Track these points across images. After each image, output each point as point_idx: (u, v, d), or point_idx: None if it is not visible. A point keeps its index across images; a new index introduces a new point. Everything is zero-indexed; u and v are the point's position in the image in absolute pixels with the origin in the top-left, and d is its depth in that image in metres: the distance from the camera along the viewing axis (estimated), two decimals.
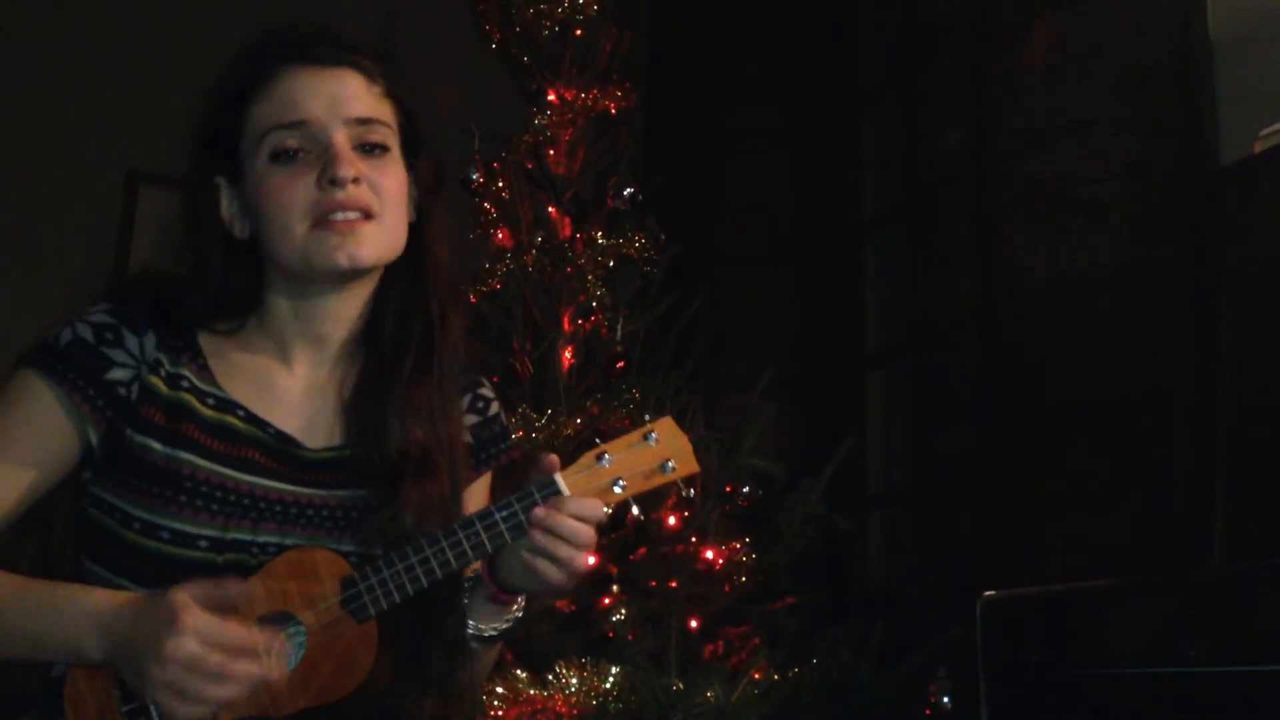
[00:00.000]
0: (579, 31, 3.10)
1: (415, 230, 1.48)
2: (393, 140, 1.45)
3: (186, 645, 1.21)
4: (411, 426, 1.42)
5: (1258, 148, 2.06)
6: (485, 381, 1.58)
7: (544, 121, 3.03)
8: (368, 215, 1.39)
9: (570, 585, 1.37)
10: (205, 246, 1.44)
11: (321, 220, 1.38)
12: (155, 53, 4.00)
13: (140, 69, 3.99)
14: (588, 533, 1.34)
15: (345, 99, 1.41)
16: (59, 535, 1.43)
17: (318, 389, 1.47)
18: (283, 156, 1.40)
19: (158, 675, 1.22)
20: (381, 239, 1.41)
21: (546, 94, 3.08)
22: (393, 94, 1.46)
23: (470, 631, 1.42)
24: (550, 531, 1.33)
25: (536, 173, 3.05)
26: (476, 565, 1.42)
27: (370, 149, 1.42)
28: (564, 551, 1.33)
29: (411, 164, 1.48)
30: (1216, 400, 2.29)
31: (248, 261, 1.45)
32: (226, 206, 1.45)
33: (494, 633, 1.43)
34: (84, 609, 1.29)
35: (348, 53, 1.44)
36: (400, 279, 1.47)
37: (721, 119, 4.12)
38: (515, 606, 1.43)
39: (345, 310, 1.47)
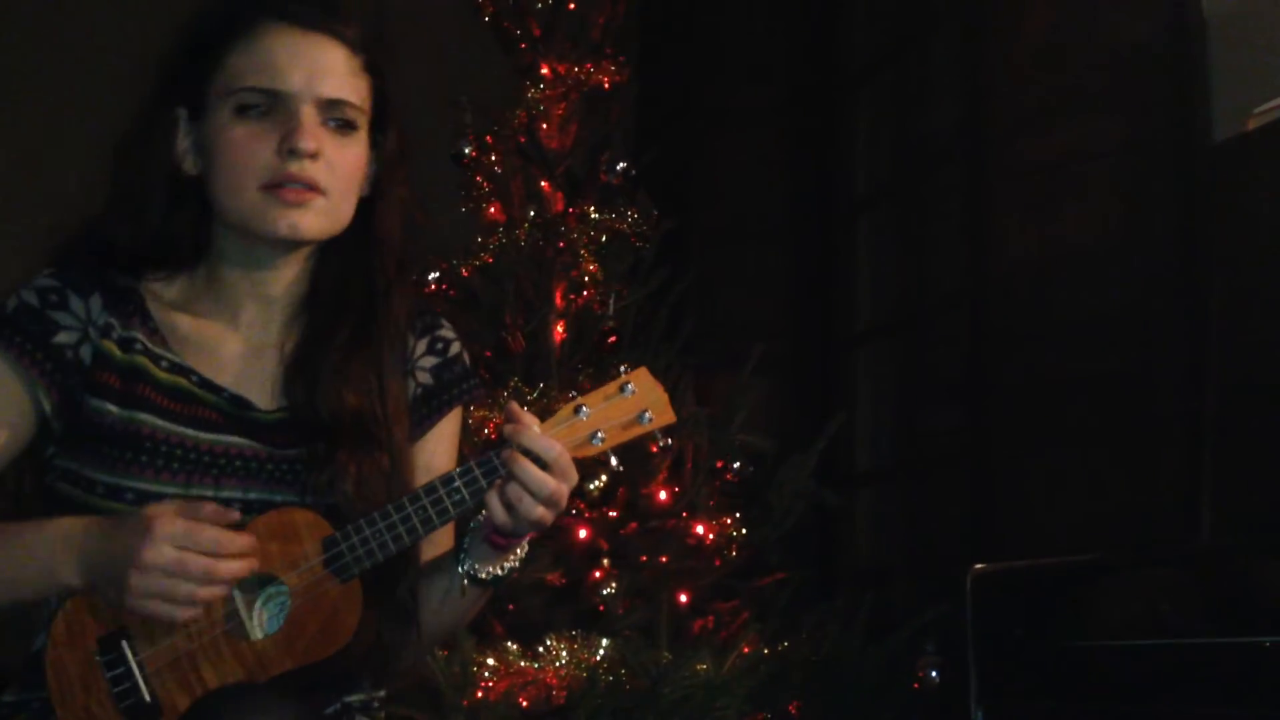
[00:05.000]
0: (572, 5, 3.09)
1: (369, 202, 1.48)
2: (361, 119, 1.44)
3: (164, 551, 1.23)
4: (345, 394, 1.42)
5: (1251, 125, 2.06)
6: (445, 322, 1.57)
7: (537, 95, 3.02)
8: (317, 190, 1.39)
9: (526, 530, 1.36)
10: (148, 176, 1.44)
11: (272, 186, 1.38)
12: (145, 20, 3.98)
13: (130, 38, 3.96)
14: (539, 476, 1.32)
15: (323, 73, 1.40)
16: (23, 506, 1.42)
17: (265, 349, 1.47)
18: (250, 112, 1.39)
19: (139, 584, 1.24)
20: (327, 215, 1.41)
21: (539, 68, 3.06)
22: (371, 68, 1.45)
23: (466, 571, 1.41)
24: (508, 473, 1.33)
25: (529, 147, 3.04)
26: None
27: (337, 125, 1.42)
28: (512, 492, 1.32)
29: (376, 139, 1.48)
30: (1205, 377, 2.30)
31: (192, 203, 1.44)
32: (182, 140, 1.44)
33: (488, 576, 1.41)
34: (56, 535, 1.30)
35: (334, 19, 1.43)
36: (346, 247, 1.47)
37: (714, 95, 4.10)
38: (513, 556, 1.42)
39: (291, 271, 1.47)
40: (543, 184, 3.03)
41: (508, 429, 1.34)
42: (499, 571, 1.42)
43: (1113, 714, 1.83)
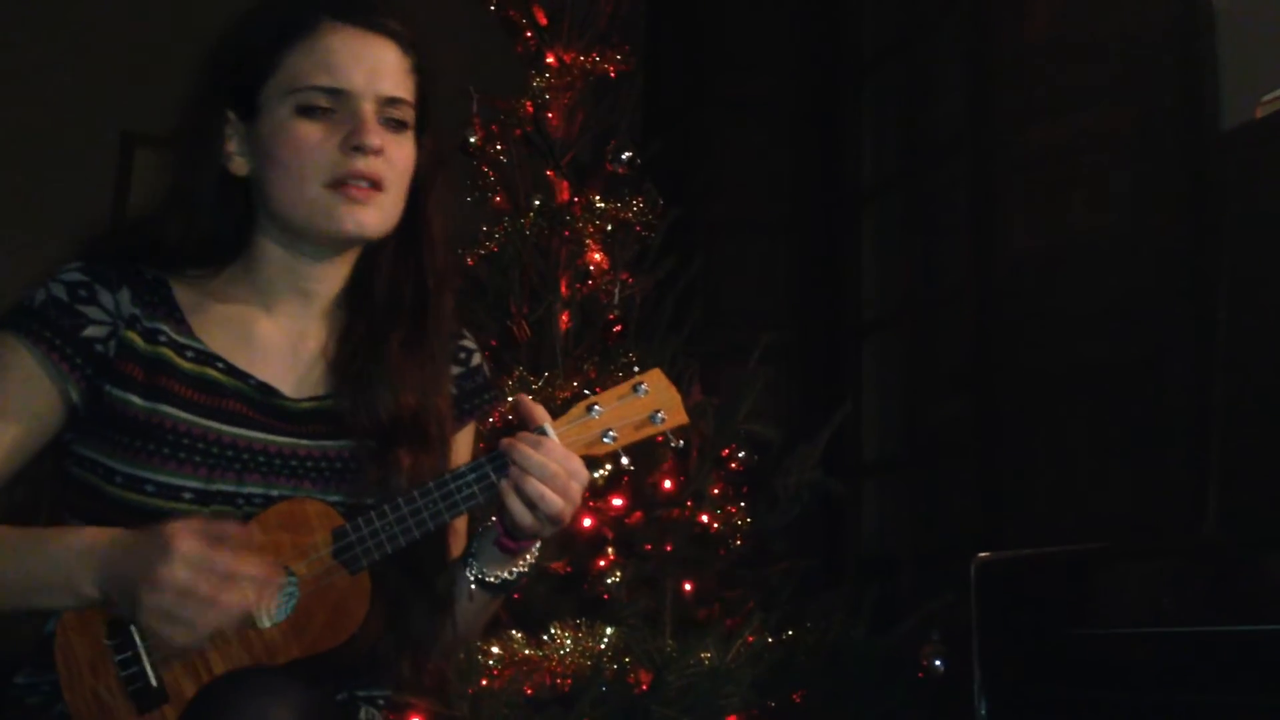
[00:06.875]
0: None
1: (413, 201, 1.49)
2: (411, 117, 1.46)
3: (178, 571, 1.22)
4: (404, 394, 1.44)
5: (1259, 113, 2.05)
6: (467, 333, 1.59)
7: (543, 84, 3.02)
8: (378, 187, 1.41)
9: (546, 531, 1.38)
10: (201, 179, 1.44)
11: (336, 183, 1.40)
12: (151, 14, 3.98)
13: (135, 30, 3.97)
14: (556, 469, 1.34)
15: (382, 74, 1.43)
16: (42, 493, 1.43)
17: (299, 339, 1.48)
18: (313, 112, 1.41)
19: (150, 601, 1.23)
20: (388, 211, 1.43)
21: (545, 56, 3.06)
22: (419, 69, 1.48)
23: (474, 575, 1.43)
24: (522, 469, 1.34)
25: (535, 136, 3.04)
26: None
27: (392, 124, 1.44)
28: (532, 488, 1.34)
29: (418, 138, 1.49)
30: (1212, 367, 2.30)
31: (238, 202, 1.46)
32: (231, 142, 1.45)
33: (497, 580, 1.43)
34: (78, 546, 1.30)
35: (390, 20, 1.45)
36: (393, 246, 1.49)
37: (720, 85, 4.10)
38: (522, 561, 1.44)
39: (337, 271, 1.49)
40: (548, 173, 3.03)
41: (505, 442, 1.35)
42: (508, 576, 1.44)
43: (1117, 703, 1.83)
